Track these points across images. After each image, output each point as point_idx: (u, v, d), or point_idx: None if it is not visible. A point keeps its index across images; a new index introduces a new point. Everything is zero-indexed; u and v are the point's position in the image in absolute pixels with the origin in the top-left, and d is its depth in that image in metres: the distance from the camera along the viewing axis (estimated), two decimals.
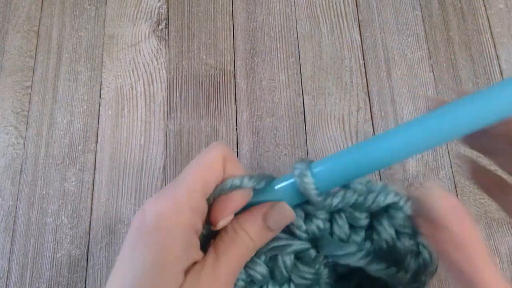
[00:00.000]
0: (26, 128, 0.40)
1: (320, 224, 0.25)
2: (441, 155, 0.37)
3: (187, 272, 0.22)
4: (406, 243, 0.24)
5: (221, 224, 0.24)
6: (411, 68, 0.40)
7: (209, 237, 0.25)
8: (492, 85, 0.21)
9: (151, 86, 0.41)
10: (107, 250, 0.36)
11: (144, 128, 0.39)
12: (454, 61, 0.40)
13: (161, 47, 0.42)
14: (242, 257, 0.24)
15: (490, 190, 0.25)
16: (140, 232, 0.22)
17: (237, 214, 0.25)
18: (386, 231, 0.24)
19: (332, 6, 0.42)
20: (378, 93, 0.39)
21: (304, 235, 0.25)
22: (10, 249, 0.36)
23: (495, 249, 0.35)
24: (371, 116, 0.39)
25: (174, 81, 0.41)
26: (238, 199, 0.24)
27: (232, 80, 0.41)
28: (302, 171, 0.23)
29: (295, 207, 0.25)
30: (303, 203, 0.25)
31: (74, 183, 0.38)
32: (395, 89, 0.40)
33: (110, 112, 0.40)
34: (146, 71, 0.41)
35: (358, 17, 0.42)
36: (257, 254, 0.26)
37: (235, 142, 0.39)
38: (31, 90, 0.41)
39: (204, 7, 0.43)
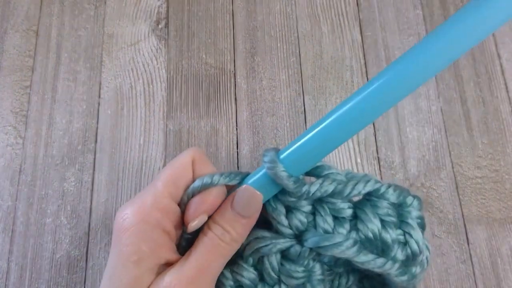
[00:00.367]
0: (25, 128, 0.40)
1: (303, 217, 0.25)
2: (442, 155, 0.37)
3: (159, 273, 0.23)
4: (392, 232, 0.24)
5: (192, 225, 0.24)
6: None
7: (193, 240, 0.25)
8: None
9: (151, 86, 0.41)
10: (106, 251, 0.36)
11: (144, 128, 0.39)
12: (456, 61, 0.40)
13: (160, 46, 0.42)
14: (217, 252, 0.24)
15: None
16: (113, 237, 0.24)
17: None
18: (371, 220, 0.24)
19: (333, 5, 0.42)
20: None
21: (288, 231, 0.25)
22: (9, 250, 0.36)
23: (496, 249, 0.34)
24: None
25: (174, 80, 0.41)
26: (210, 199, 0.25)
27: (232, 80, 0.40)
28: (270, 158, 0.23)
29: (276, 201, 0.25)
30: (283, 198, 0.25)
31: (73, 183, 0.38)
32: None
33: (109, 112, 0.40)
34: (145, 71, 0.41)
35: (359, 16, 0.42)
36: (244, 259, 0.26)
37: (235, 142, 0.38)
38: (30, 90, 0.41)
39: (204, 6, 0.43)
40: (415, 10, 0.42)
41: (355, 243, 0.24)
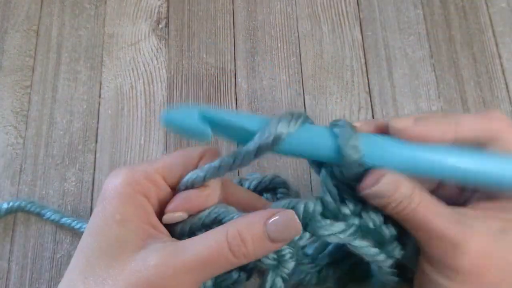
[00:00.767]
0: (26, 128, 0.40)
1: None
2: None
3: (144, 239, 0.22)
4: (392, 229, 0.24)
5: (167, 218, 0.24)
6: (412, 67, 0.40)
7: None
8: None
9: (151, 86, 0.41)
10: None
11: (144, 127, 0.39)
12: (456, 60, 0.40)
13: (161, 46, 0.42)
14: (220, 260, 0.21)
15: None
16: (98, 197, 0.24)
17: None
18: (376, 211, 0.23)
19: (333, 5, 0.42)
20: (379, 92, 0.39)
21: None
22: (10, 250, 0.36)
23: None
24: (373, 115, 0.38)
25: (174, 80, 0.41)
26: (195, 199, 0.24)
27: (233, 80, 0.40)
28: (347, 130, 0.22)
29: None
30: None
31: (73, 183, 0.38)
32: (397, 88, 0.39)
33: (110, 111, 0.40)
34: (146, 71, 0.41)
35: (359, 16, 0.42)
36: None
37: (235, 142, 0.38)
38: (30, 89, 0.41)
39: (205, 6, 0.43)
40: (416, 9, 0.42)
41: (355, 231, 0.23)
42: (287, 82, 0.40)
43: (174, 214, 0.24)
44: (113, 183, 0.23)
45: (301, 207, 0.23)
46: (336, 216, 0.23)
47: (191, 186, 0.24)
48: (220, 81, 0.40)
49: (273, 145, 0.21)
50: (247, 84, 0.40)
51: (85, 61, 0.42)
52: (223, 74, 0.41)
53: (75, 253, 0.23)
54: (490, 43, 0.40)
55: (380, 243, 0.24)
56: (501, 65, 0.39)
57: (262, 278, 0.24)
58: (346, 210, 0.23)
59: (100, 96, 0.41)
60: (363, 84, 0.40)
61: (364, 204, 0.24)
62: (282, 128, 0.21)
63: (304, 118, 0.22)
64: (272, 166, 0.37)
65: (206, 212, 0.24)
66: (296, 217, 0.22)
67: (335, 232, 0.23)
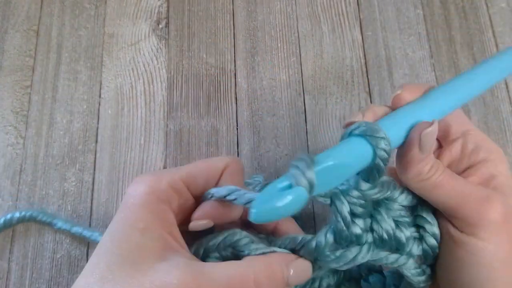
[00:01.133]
0: (26, 128, 0.40)
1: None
2: None
3: (165, 249, 0.22)
4: (406, 231, 0.24)
5: (191, 224, 0.24)
6: (412, 67, 0.40)
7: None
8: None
9: (151, 86, 0.41)
10: None
11: (144, 127, 0.39)
12: (456, 60, 0.40)
13: (161, 46, 0.42)
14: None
15: None
16: (121, 204, 0.24)
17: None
18: (385, 220, 0.23)
19: (333, 5, 0.42)
20: (379, 92, 0.39)
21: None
22: (10, 250, 0.36)
23: None
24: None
25: (174, 80, 0.41)
26: (224, 209, 0.24)
27: (233, 80, 0.40)
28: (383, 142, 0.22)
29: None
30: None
31: (73, 183, 0.38)
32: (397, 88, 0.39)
33: (110, 111, 0.40)
34: (146, 71, 0.41)
35: (359, 16, 0.42)
36: None
37: (236, 142, 0.38)
38: (30, 89, 0.41)
39: (205, 6, 0.43)
40: (416, 9, 0.42)
41: (368, 250, 0.23)
42: (287, 82, 0.40)
43: (200, 222, 0.24)
44: (137, 190, 0.23)
45: (312, 244, 0.23)
46: (348, 239, 0.23)
47: (215, 198, 0.24)
48: (220, 81, 0.40)
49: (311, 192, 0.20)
50: (247, 84, 0.40)
51: (85, 61, 0.42)
52: (223, 74, 0.41)
53: (93, 256, 0.22)
54: (490, 43, 0.40)
55: (397, 247, 0.24)
56: None
57: None
58: (357, 229, 0.23)
59: (100, 96, 0.41)
60: (363, 84, 0.40)
61: (373, 217, 0.24)
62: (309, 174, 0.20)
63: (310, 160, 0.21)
64: (272, 166, 0.37)
65: (221, 237, 0.24)
66: (310, 266, 0.23)
67: (348, 260, 0.23)
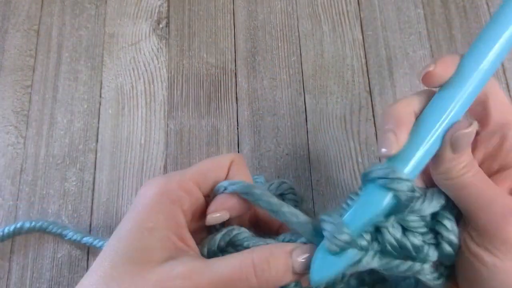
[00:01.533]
0: (26, 128, 0.40)
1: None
2: None
3: (171, 249, 0.22)
4: (413, 238, 0.23)
5: (213, 216, 0.24)
6: (413, 66, 0.40)
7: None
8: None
9: (152, 85, 0.41)
10: None
11: (145, 127, 0.39)
12: None
13: (161, 46, 0.42)
14: (242, 282, 0.22)
15: None
16: (132, 204, 0.24)
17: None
18: (389, 233, 0.23)
19: (334, 4, 0.42)
20: (380, 92, 0.39)
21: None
22: (10, 249, 0.36)
23: None
24: (373, 115, 0.38)
25: (175, 80, 0.41)
26: (236, 199, 0.24)
27: (233, 79, 0.40)
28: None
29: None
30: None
31: (74, 183, 0.38)
32: (397, 88, 0.39)
33: (110, 111, 0.40)
34: (146, 70, 0.41)
35: (360, 15, 0.42)
36: None
37: (236, 142, 0.38)
38: (31, 89, 0.41)
39: (205, 6, 0.43)
40: (416, 9, 0.42)
41: (374, 254, 0.23)
42: (287, 81, 0.40)
43: (215, 214, 0.24)
44: (148, 191, 0.24)
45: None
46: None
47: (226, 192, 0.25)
48: (220, 81, 0.40)
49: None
50: (248, 83, 0.40)
51: (85, 61, 0.42)
52: (223, 73, 0.41)
53: (100, 255, 0.23)
54: None
55: (409, 255, 0.23)
56: (502, 65, 0.39)
57: None
58: (363, 241, 0.22)
59: (100, 96, 0.41)
60: (364, 83, 0.39)
61: (377, 230, 0.23)
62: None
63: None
64: (273, 166, 0.37)
65: (220, 235, 0.24)
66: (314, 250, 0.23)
67: (348, 264, 0.22)
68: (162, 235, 0.23)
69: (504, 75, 0.39)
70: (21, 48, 0.42)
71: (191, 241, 0.24)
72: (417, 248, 0.23)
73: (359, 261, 0.22)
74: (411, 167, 0.22)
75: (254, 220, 0.29)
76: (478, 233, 0.22)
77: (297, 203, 0.31)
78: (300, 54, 0.41)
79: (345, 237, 0.21)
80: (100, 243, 0.34)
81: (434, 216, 0.24)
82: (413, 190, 0.22)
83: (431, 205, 0.23)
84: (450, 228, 0.23)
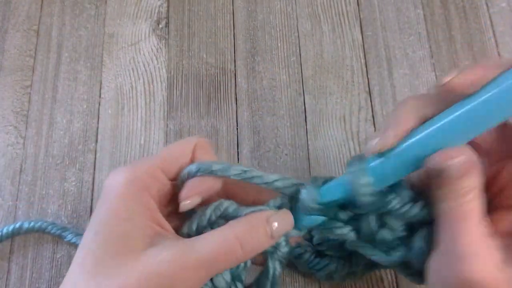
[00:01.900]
0: (26, 128, 0.40)
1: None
2: None
3: (151, 236, 0.23)
4: (387, 235, 0.25)
5: (185, 203, 0.24)
6: (412, 67, 0.40)
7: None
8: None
9: (151, 86, 0.41)
10: None
11: (144, 127, 0.39)
12: (456, 60, 0.40)
13: (161, 46, 0.42)
14: (229, 256, 0.23)
15: None
16: (101, 196, 0.24)
17: None
18: (368, 221, 0.25)
19: (333, 5, 0.42)
20: (379, 92, 0.39)
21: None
22: (10, 250, 0.36)
23: None
24: (373, 115, 0.38)
25: (174, 80, 0.41)
26: (207, 182, 0.25)
27: (233, 79, 0.40)
28: (357, 168, 0.23)
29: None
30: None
31: (74, 183, 0.38)
32: (397, 88, 0.39)
33: (110, 111, 0.40)
34: (146, 70, 0.41)
35: (360, 16, 0.42)
36: None
37: (236, 142, 0.38)
38: (30, 89, 0.41)
39: (205, 6, 0.43)
40: (416, 9, 0.42)
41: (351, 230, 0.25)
42: (287, 82, 0.40)
43: (187, 201, 0.24)
44: (115, 182, 0.24)
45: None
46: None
47: (194, 175, 0.25)
48: (220, 81, 0.40)
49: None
50: (247, 84, 0.40)
51: (85, 61, 0.42)
52: (223, 74, 0.41)
53: (79, 250, 0.23)
54: (490, 43, 0.40)
55: (385, 247, 0.25)
56: None
57: (264, 266, 0.26)
58: (344, 215, 0.25)
59: (100, 96, 0.41)
60: (363, 84, 0.40)
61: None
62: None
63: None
64: (272, 166, 0.37)
65: (210, 210, 0.25)
66: (292, 219, 0.25)
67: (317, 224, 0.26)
68: (140, 222, 0.23)
69: None
70: (21, 48, 0.42)
71: (167, 225, 0.24)
72: (388, 243, 0.25)
73: (330, 228, 0.25)
74: (380, 171, 0.23)
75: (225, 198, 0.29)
76: (442, 255, 0.22)
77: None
78: (300, 55, 0.41)
79: (314, 206, 0.25)
80: None
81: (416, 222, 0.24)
82: (368, 187, 0.23)
83: (414, 213, 0.24)
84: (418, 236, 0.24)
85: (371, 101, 0.39)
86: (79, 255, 0.22)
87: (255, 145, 0.38)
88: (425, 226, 0.24)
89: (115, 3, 0.43)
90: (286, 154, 0.38)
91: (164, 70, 0.41)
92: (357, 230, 0.25)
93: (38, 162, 0.38)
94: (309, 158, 0.37)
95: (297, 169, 0.37)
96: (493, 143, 0.24)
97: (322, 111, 0.39)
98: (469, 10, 0.41)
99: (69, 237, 0.35)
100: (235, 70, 0.41)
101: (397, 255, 0.24)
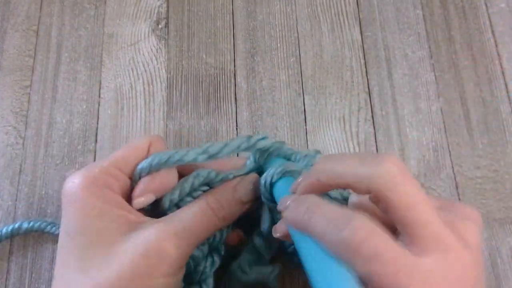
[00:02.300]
0: (25, 128, 0.40)
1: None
2: (442, 156, 0.37)
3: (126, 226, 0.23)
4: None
5: (138, 201, 0.25)
6: (412, 67, 0.40)
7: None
8: None
9: (151, 86, 0.41)
10: None
11: (144, 128, 0.39)
12: (456, 60, 0.40)
13: (160, 46, 0.42)
14: (206, 223, 0.24)
15: None
16: (63, 203, 0.25)
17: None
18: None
19: (333, 5, 0.42)
20: (379, 92, 0.39)
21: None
22: (9, 250, 0.36)
23: (496, 250, 0.34)
24: (372, 116, 0.38)
25: (174, 80, 0.41)
26: (158, 179, 0.25)
27: (232, 80, 0.40)
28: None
29: None
30: None
31: None
32: (396, 88, 0.39)
33: (109, 111, 0.40)
34: (145, 71, 0.41)
35: (359, 16, 0.42)
36: None
37: None
38: (30, 89, 0.41)
39: (204, 6, 0.43)
40: (415, 10, 0.42)
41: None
42: (286, 82, 0.40)
43: (140, 199, 0.25)
44: (75, 185, 0.24)
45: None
46: None
47: (146, 173, 0.26)
48: (219, 81, 0.40)
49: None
50: (247, 84, 0.40)
51: (84, 61, 0.42)
52: (222, 74, 0.41)
53: (60, 254, 0.23)
54: (490, 43, 0.40)
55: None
56: (501, 66, 0.39)
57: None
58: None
59: (99, 96, 0.41)
60: (363, 84, 0.40)
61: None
62: None
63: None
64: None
65: (192, 178, 0.26)
66: (257, 177, 0.27)
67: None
68: (112, 215, 0.23)
69: (503, 76, 0.39)
70: (20, 48, 0.42)
71: (140, 214, 0.25)
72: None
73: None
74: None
75: None
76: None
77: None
78: (299, 55, 0.41)
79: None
80: None
81: None
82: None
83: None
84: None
85: (370, 101, 0.39)
86: (64, 257, 0.23)
87: None
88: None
89: (114, 3, 0.43)
90: None
91: (163, 71, 0.41)
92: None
93: (38, 162, 0.38)
94: None
95: None
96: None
97: (322, 111, 0.39)
98: (469, 10, 0.41)
99: None
100: (234, 70, 0.41)
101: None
